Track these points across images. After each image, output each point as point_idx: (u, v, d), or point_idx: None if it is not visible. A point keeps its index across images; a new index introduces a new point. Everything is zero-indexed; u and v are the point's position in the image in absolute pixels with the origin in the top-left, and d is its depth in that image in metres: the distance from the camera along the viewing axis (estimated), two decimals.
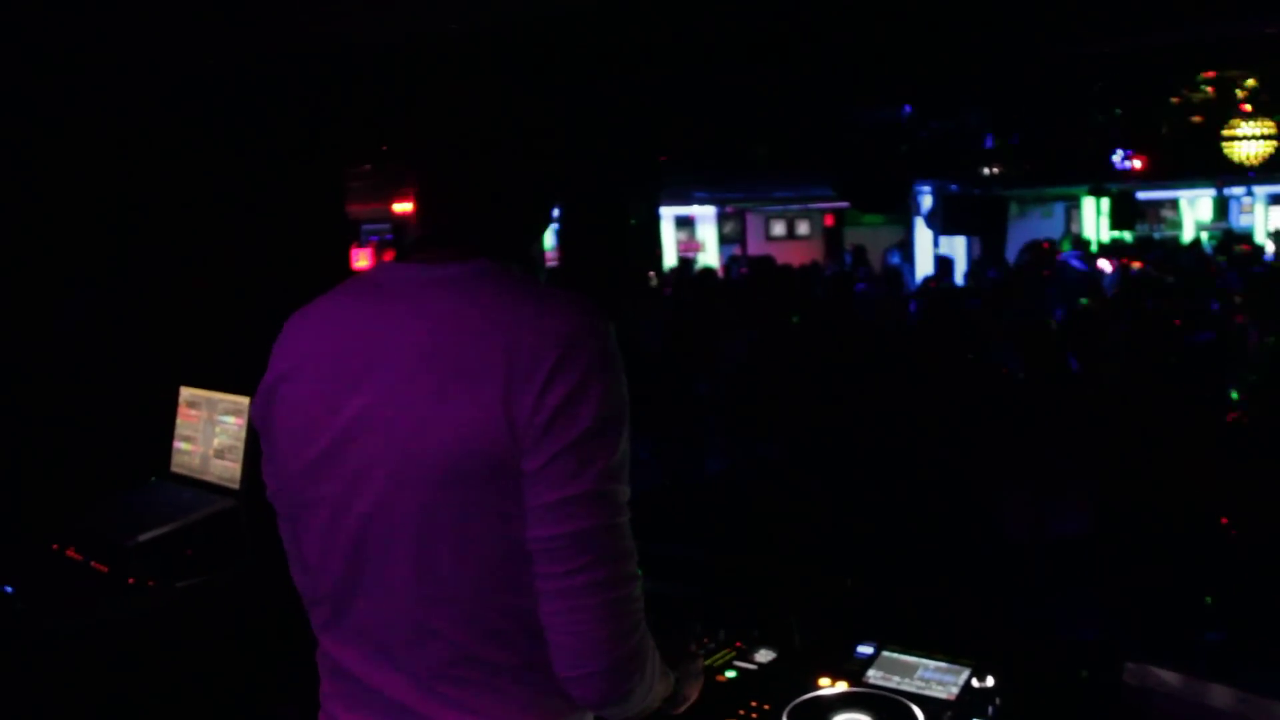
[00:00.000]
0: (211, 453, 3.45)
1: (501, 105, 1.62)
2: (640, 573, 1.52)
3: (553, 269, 11.04)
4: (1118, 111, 8.35)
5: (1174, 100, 8.40)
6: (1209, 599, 3.29)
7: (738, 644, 2.38)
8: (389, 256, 1.69)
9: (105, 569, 3.12)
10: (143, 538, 3.13)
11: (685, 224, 22.16)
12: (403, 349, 1.51)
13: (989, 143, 9.82)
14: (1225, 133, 8.33)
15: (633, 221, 9.69)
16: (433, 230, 1.63)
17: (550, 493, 1.44)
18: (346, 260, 5.12)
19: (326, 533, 1.58)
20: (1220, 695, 2.00)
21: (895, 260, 16.94)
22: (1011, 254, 15.87)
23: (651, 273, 10.27)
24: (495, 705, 1.53)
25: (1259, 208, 20.91)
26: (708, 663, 2.29)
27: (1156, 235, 20.72)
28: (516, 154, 1.63)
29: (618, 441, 1.48)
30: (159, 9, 2.88)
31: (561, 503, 1.44)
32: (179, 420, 3.60)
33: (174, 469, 3.57)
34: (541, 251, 10.71)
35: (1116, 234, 17.26)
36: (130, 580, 3.04)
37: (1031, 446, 4.14)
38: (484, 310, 1.50)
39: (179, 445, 3.58)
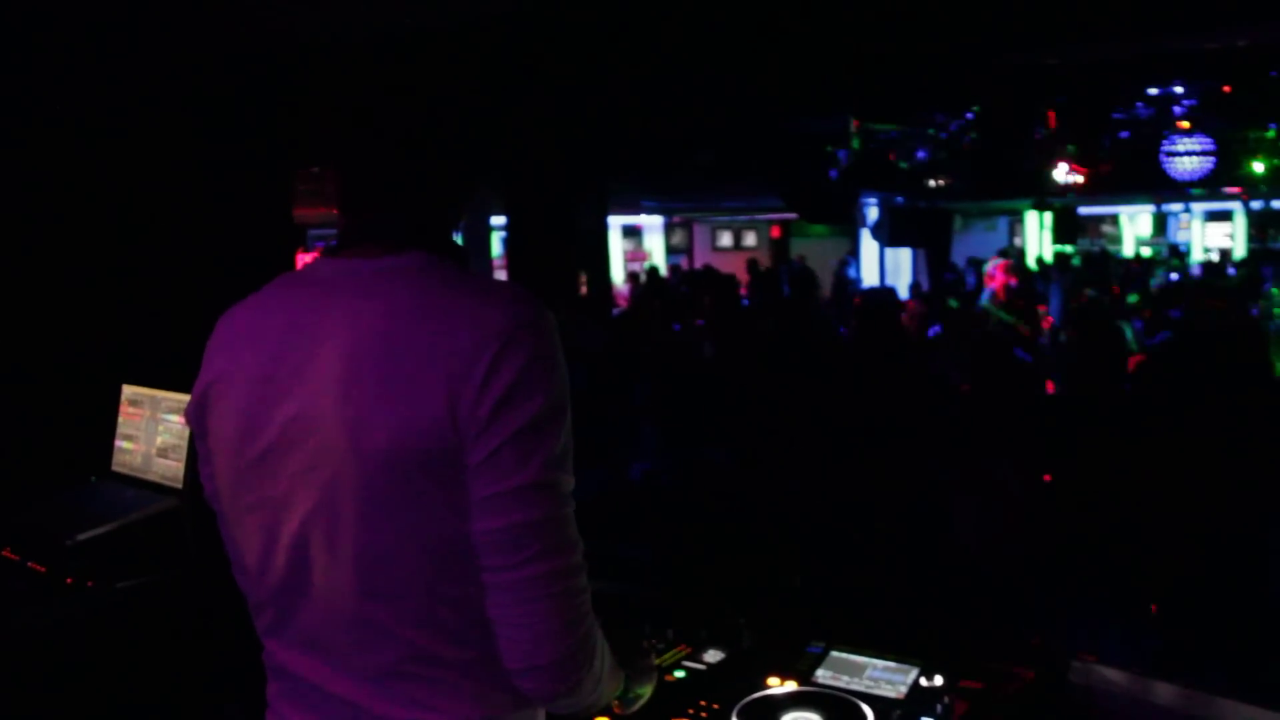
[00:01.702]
0: (154, 451, 3.39)
1: (421, 95, 1.61)
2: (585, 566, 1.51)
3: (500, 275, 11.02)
4: (1060, 121, 8.47)
5: (1116, 116, 8.55)
6: (1152, 605, 3.34)
7: (685, 645, 2.38)
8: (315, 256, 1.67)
9: (43, 569, 3.05)
10: (82, 537, 3.07)
11: (633, 233, 22.21)
12: (338, 347, 1.48)
13: (926, 155, 9.93)
14: (1165, 149, 8.49)
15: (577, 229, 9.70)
16: (360, 224, 1.60)
17: (494, 485, 1.43)
18: (292, 264, 5.07)
19: (267, 536, 1.55)
20: (1165, 692, 2.03)
21: (852, 272, 17.09)
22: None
23: (583, 277, 10.26)
24: (446, 700, 1.52)
25: (1196, 224, 21.30)
26: (656, 662, 2.29)
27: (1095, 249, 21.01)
28: (441, 144, 1.62)
29: (560, 432, 1.47)
30: (103, 9, 2.86)
31: (505, 494, 1.43)
32: (120, 418, 3.55)
33: (115, 468, 3.51)
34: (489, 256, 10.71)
35: (1059, 248, 17.49)
36: (69, 580, 2.99)
37: (976, 454, 4.19)
38: (421, 304, 1.48)
39: (120, 444, 3.53)
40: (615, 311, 10.50)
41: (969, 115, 8.49)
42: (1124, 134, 9.17)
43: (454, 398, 1.41)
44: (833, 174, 9.89)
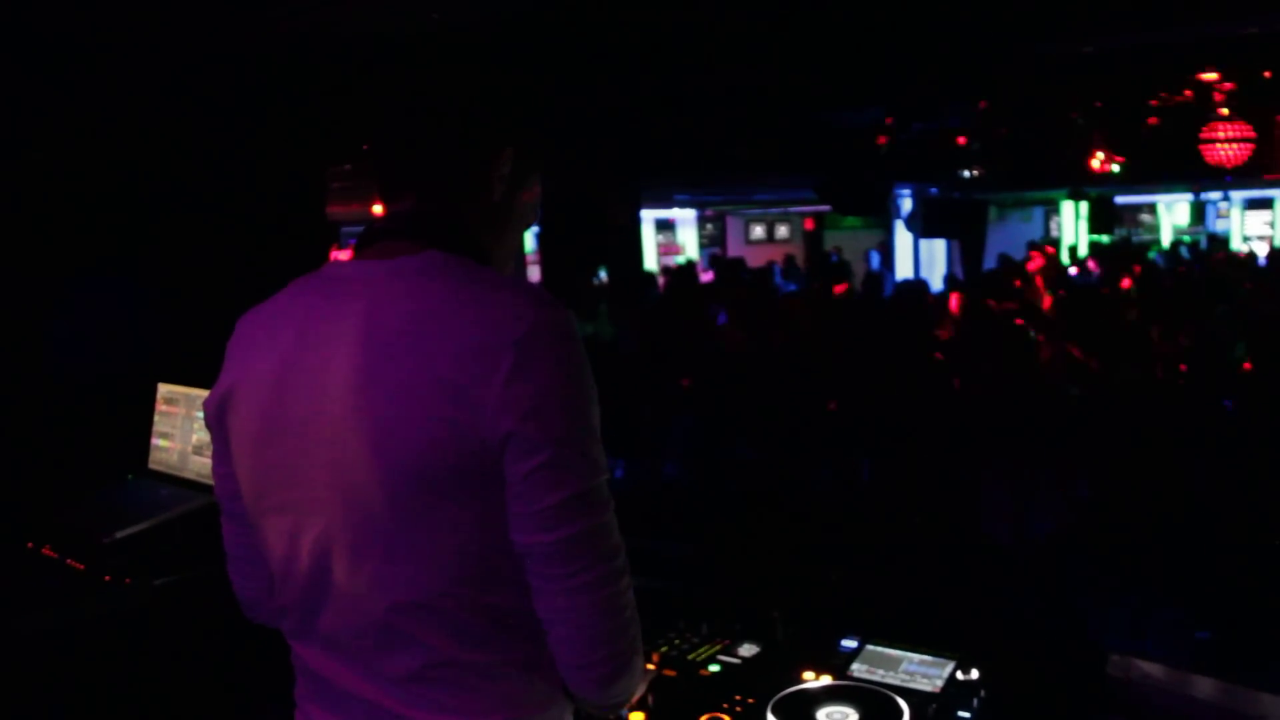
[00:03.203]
0: (190, 449, 3.42)
1: (444, 92, 1.59)
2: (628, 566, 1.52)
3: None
4: (1098, 109, 8.37)
5: (1153, 103, 8.44)
6: (1197, 600, 3.30)
7: (720, 640, 2.37)
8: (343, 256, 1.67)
9: (82, 566, 3.08)
10: (119, 534, 3.10)
11: (666, 227, 22.18)
12: (353, 351, 1.47)
13: (966, 145, 9.84)
14: (1203, 136, 8.37)
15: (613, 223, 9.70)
16: (382, 222, 1.60)
17: (540, 498, 1.42)
18: (325, 261, 5.09)
19: (290, 540, 1.55)
20: (1203, 686, 2.01)
21: (875, 264, 17.01)
22: (990, 258, 15.93)
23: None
24: (472, 703, 1.52)
25: (1235, 212, 21.05)
26: (690, 657, 2.29)
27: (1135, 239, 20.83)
28: (465, 141, 1.59)
29: (595, 435, 1.47)
30: (139, 5, 2.87)
31: (551, 509, 1.43)
32: (157, 417, 3.57)
33: (151, 466, 3.54)
34: (521, 253, 10.71)
35: (1095, 237, 17.35)
36: (107, 578, 3.01)
37: (1007, 445, 4.15)
38: (437, 306, 1.46)
39: (157, 442, 3.55)
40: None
41: (1003, 105, 8.40)
42: (1162, 122, 9.06)
43: (475, 405, 1.39)
44: (867, 166, 9.84)
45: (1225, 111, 8.17)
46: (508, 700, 1.53)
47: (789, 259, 16.67)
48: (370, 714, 1.54)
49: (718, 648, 2.33)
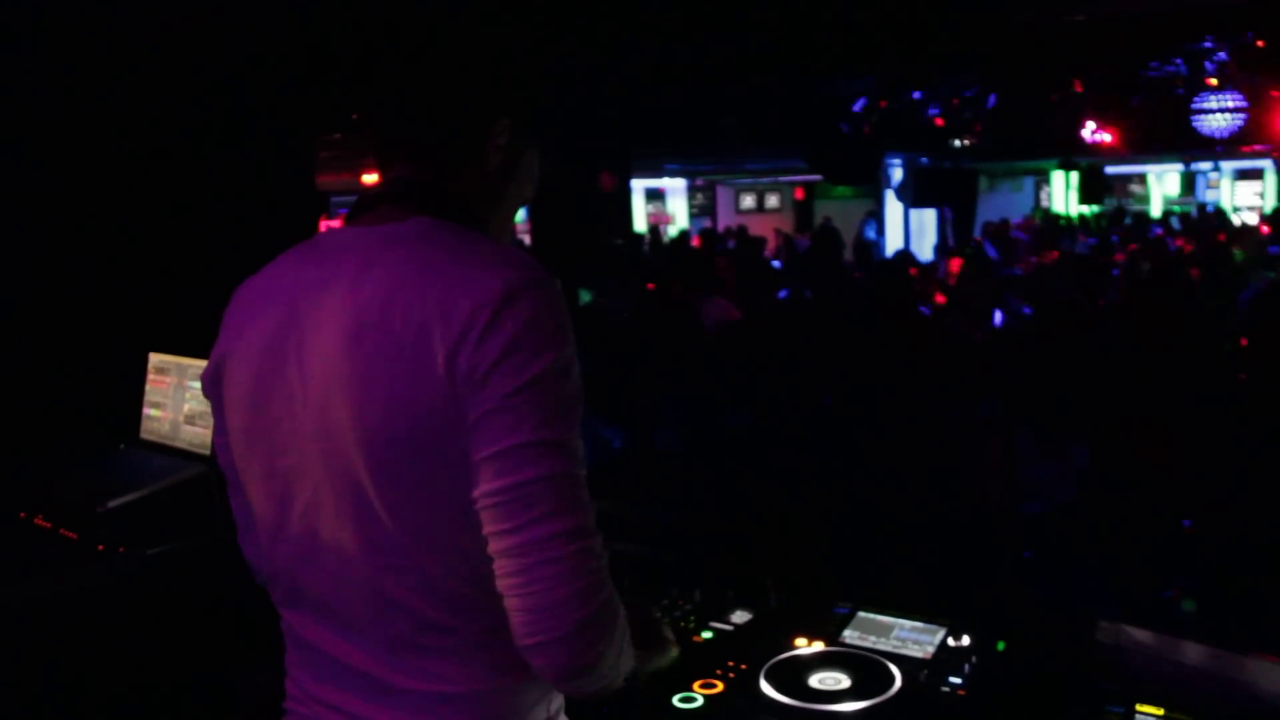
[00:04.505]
0: (181, 419, 3.41)
1: (442, 59, 1.58)
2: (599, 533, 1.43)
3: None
4: (1089, 78, 8.36)
5: (1144, 73, 8.43)
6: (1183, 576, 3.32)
7: (714, 606, 2.38)
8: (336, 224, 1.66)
9: (75, 536, 3.08)
10: (112, 504, 3.10)
11: (656, 196, 22.15)
12: (340, 316, 1.47)
13: (956, 114, 9.83)
14: (1195, 106, 8.37)
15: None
16: (376, 189, 1.60)
17: (490, 445, 1.37)
18: (315, 231, 5.08)
19: (279, 505, 1.56)
20: (1192, 651, 2.02)
21: (871, 234, 17.00)
22: (979, 228, 15.94)
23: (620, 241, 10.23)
24: (460, 670, 1.51)
25: (1225, 182, 21.08)
26: (683, 624, 2.30)
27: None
28: (462, 109, 1.58)
29: (565, 392, 1.41)
30: None
31: (502, 454, 1.37)
32: (148, 386, 3.57)
33: (143, 435, 3.54)
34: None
35: (1085, 208, 17.37)
36: (100, 547, 3.01)
37: (1002, 411, 4.17)
38: (420, 271, 1.44)
39: (148, 412, 3.55)
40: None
41: (994, 74, 8.39)
42: (1152, 92, 9.06)
43: (453, 366, 1.38)
44: (857, 135, 9.83)
45: (1214, 81, 8.16)
46: (497, 668, 1.51)
47: (786, 239, 16.58)
48: (359, 681, 1.54)
49: (709, 614, 2.34)
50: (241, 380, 1.57)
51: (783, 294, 9.09)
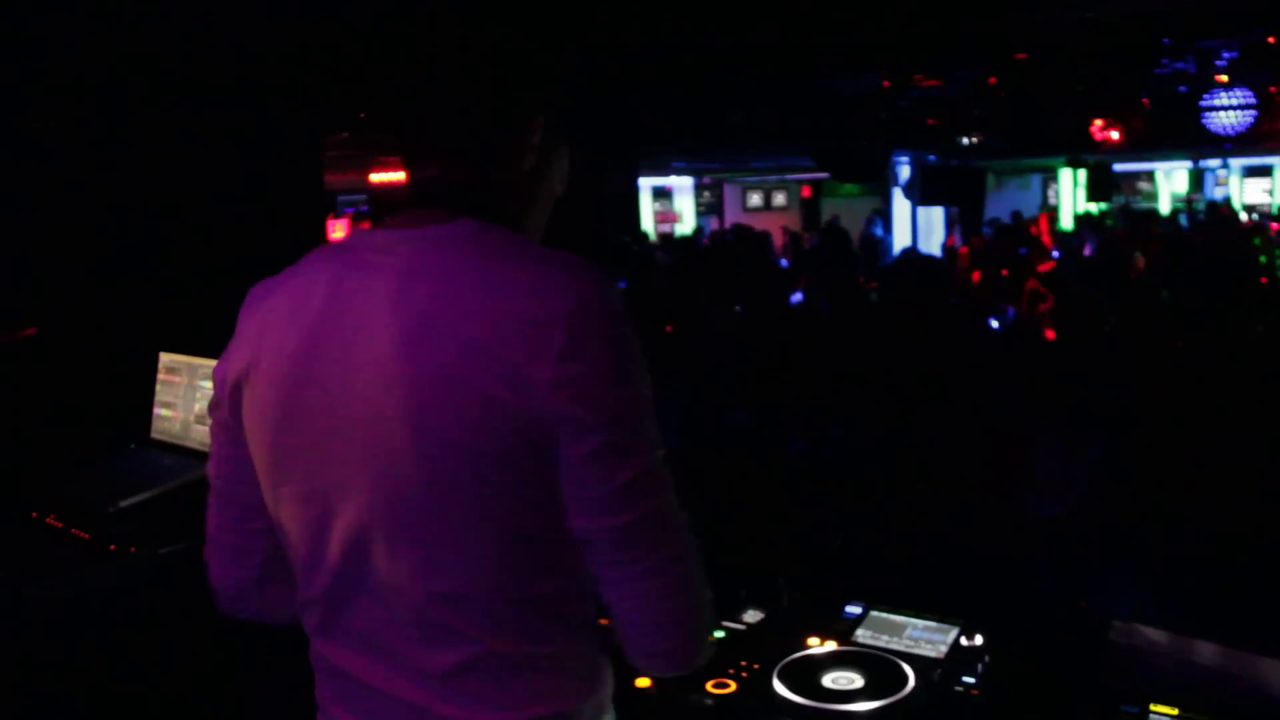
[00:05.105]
0: (192, 418, 3.42)
1: (481, 57, 1.51)
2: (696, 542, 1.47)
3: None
4: (1098, 76, 8.33)
5: (1153, 70, 8.40)
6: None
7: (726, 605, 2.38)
8: (365, 227, 1.61)
9: (86, 536, 3.08)
10: (124, 504, 3.10)
11: (663, 194, 22.14)
12: (393, 323, 1.37)
13: (964, 111, 9.81)
14: (1204, 103, 8.34)
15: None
16: (409, 193, 1.52)
17: (602, 482, 1.36)
18: (323, 229, 5.09)
19: (316, 528, 1.46)
20: (1205, 651, 2.02)
21: (879, 231, 16.97)
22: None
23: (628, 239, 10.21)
24: (516, 697, 1.45)
25: (1234, 179, 21.02)
26: None
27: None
28: (499, 107, 1.51)
29: (650, 410, 1.40)
30: None
31: (617, 492, 1.36)
32: (159, 386, 3.57)
33: (154, 435, 3.54)
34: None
35: (1092, 205, 17.32)
36: (112, 547, 3.01)
37: (1014, 413, 4.16)
38: (475, 279, 1.37)
39: (159, 411, 3.55)
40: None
41: (1003, 71, 8.37)
42: (1161, 89, 9.03)
43: (523, 384, 1.32)
44: (865, 133, 9.83)
45: (1224, 79, 8.13)
46: (549, 692, 1.46)
47: (794, 237, 16.53)
48: (407, 714, 1.46)
49: (722, 613, 2.34)
50: (270, 392, 1.47)
51: (796, 297, 9.06)
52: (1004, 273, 9.76)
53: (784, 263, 12.81)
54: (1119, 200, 19.27)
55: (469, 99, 1.51)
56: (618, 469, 1.36)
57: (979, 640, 2.11)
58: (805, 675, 2.01)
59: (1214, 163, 20.35)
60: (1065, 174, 19.36)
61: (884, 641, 2.16)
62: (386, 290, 1.40)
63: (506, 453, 1.34)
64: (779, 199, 23.26)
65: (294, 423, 1.45)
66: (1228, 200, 19.55)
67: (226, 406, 1.54)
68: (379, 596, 1.44)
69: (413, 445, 1.35)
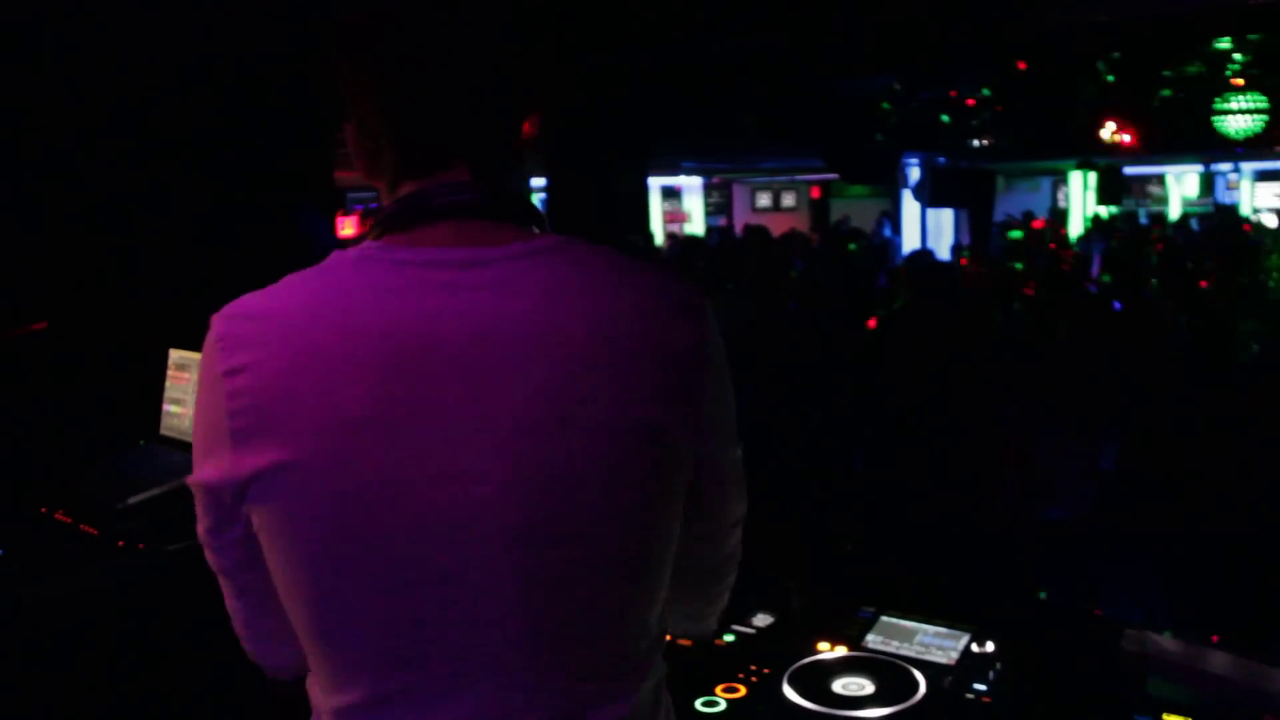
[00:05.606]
0: None
1: (508, 51, 1.32)
2: None
3: None
4: (1110, 79, 8.31)
5: (1165, 73, 8.38)
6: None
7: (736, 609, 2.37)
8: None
9: (95, 531, 3.09)
10: (132, 500, 3.10)
11: (672, 194, 22.12)
12: (518, 374, 1.16)
13: (974, 114, 9.80)
14: (1216, 107, 8.31)
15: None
16: (453, 197, 1.25)
17: (729, 514, 1.39)
18: (333, 227, 5.08)
19: (393, 583, 1.18)
20: (1218, 660, 2.00)
21: (887, 232, 16.96)
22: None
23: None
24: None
25: (1245, 184, 20.95)
26: None
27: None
28: (519, 103, 1.34)
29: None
30: None
31: (731, 525, 1.42)
32: (168, 383, 3.57)
33: (163, 432, 3.54)
34: None
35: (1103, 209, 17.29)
36: (120, 543, 3.02)
37: (1020, 416, 4.15)
38: (614, 309, 1.20)
39: (168, 408, 3.55)
40: None
41: (1014, 74, 8.35)
42: (1173, 92, 9.01)
43: (683, 420, 1.21)
44: (875, 134, 9.81)
45: (1239, 82, 8.11)
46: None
47: (803, 240, 16.53)
48: None
49: (732, 617, 2.33)
50: (326, 485, 1.16)
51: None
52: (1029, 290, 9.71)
53: (798, 263, 12.78)
54: (1129, 204, 19.22)
55: (507, 95, 1.32)
56: (736, 503, 1.41)
57: (990, 647, 2.10)
58: (815, 681, 2.00)
59: (1225, 166, 20.28)
60: (1075, 177, 19.32)
61: (895, 647, 2.15)
62: (494, 326, 1.17)
63: (651, 487, 1.22)
64: (788, 200, 23.23)
65: (375, 510, 1.16)
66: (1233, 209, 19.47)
67: (241, 520, 1.24)
68: (480, 686, 1.22)
69: (531, 487, 1.16)
